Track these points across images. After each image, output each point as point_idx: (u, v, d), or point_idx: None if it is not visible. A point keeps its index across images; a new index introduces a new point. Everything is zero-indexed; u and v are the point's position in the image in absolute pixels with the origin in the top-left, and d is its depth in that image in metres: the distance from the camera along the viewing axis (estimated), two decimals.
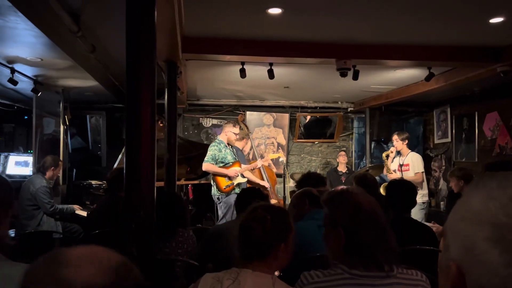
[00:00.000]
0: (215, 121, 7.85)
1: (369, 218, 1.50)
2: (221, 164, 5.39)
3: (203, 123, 7.84)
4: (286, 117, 7.86)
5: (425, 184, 5.85)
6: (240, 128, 6.22)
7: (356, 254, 1.49)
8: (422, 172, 5.75)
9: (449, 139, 7.05)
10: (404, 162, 5.87)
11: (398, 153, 6.04)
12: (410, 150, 5.95)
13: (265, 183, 5.88)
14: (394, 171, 5.87)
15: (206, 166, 5.38)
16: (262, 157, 6.65)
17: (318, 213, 2.68)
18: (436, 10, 3.33)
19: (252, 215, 1.72)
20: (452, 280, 0.63)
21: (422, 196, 5.65)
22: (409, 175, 5.70)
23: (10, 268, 1.29)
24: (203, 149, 6.24)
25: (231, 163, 5.43)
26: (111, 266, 0.69)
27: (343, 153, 7.31)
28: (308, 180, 3.48)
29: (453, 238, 0.64)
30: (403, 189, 3.18)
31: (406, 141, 5.91)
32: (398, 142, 5.89)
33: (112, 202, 3.72)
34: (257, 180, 5.86)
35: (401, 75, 5.47)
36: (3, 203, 1.41)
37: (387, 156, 6.03)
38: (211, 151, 5.40)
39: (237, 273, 1.60)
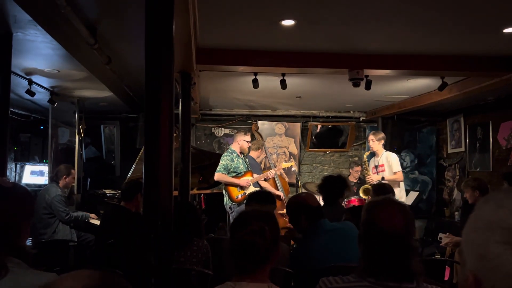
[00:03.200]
0: (227, 131, 7.89)
1: (383, 237, 1.49)
2: (234, 174, 5.41)
3: (215, 133, 7.89)
4: (298, 126, 7.88)
5: (402, 183, 5.71)
6: (254, 138, 6.24)
7: (372, 263, 1.50)
8: (400, 170, 5.64)
9: (462, 149, 6.99)
10: (379, 163, 5.76)
11: (373, 154, 5.92)
12: (384, 150, 5.84)
13: (279, 193, 5.87)
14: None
15: (218, 176, 5.40)
16: (274, 166, 6.66)
17: (320, 227, 2.63)
18: (450, 20, 3.33)
19: (249, 229, 1.62)
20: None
21: (399, 192, 5.51)
22: (386, 175, 5.59)
23: (33, 277, 1.32)
24: (215, 158, 6.27)
25: (243, 173, 5.45)
26: (87, 275, 0.75)
27: (358, 168, 7.17)
28: (329, 184, 3.49)
29: (468, 249, 0.66)
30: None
31: (382, 141, 5.80)
32: (374, 142, 5.76)
33: (113, 212, 3.77)
34: (272, 189, 5.86)
35: (414, 85, 5.46)
36: (27, 214, 1.46)
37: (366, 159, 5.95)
38: (223, 161, 5.42)
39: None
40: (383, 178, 5.55)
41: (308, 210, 2.66)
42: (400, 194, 5.57)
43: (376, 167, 5.78)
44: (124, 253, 2.86)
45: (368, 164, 5.97)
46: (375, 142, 5.76)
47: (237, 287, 1.56)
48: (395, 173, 5.58)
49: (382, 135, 5.87)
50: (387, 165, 5.66)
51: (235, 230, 1.67)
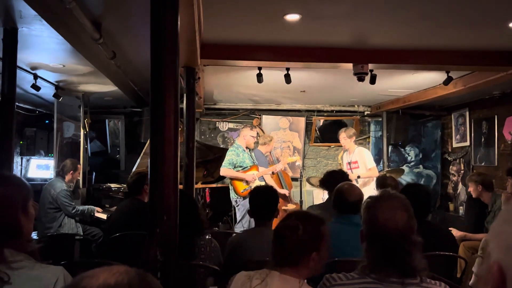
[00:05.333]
0: (231, 125, 7.90)
1: (386, 235, 1.50)
2: (240, 169, 5.43)
3: (219, 127, 7.90)
4: (302, 120, 7.87)
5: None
6: (259, 134, 6.25)
7: (375, 259, 1.51)
8: (374, 165, 5.64)
9: (467, 143, 6.96)
10: (352, 159, 5.72)
11: (345, 150, 5.91)
12: (356, 146, 5.83)
13: (284, 191, 5.85)
14: None
15: (224, 171, 5.43)
16: (278, 160, 6.67)
17: (348, 219, 2.67)
18: (455, 15, 3.31)
19: (285, 223, 1.76)
20: (493, 280, 0.65)
21: (373, 186, 5.50)
22: (360, 171, 5.57)
23: (39, 270, 1.35)
24: (220, 152, 6.29)
25: (249, 167, 5.46)
26: (123, 271, 0.76)
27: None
28: (331, 180, 3.47)
29: (496, 241, 0.66)
30: (420, 193, 3.00)
31: (353, 138, 5.78)
32: (346, 140, 5.72)
33: (132, 205, 3.79)
34: (275, 186, 5.86)
35: (419, 79, 5.43)
36: (22, 201, 1.42)
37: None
38: (229, 156, 5.44)
39: (266, 274, 1.66)
40: (359, 177, 5.50)
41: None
42: (373, 188, 5.56)
43: (349, 163, 5.75)
44: (138, 246, 2.84)
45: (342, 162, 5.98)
46: (347, 140, 5.73)
47: (270, 275, 1.66)
48: (369, 169, 5.57)
49: (353, 131, 5.85)
50: (361, 161, 5.63)
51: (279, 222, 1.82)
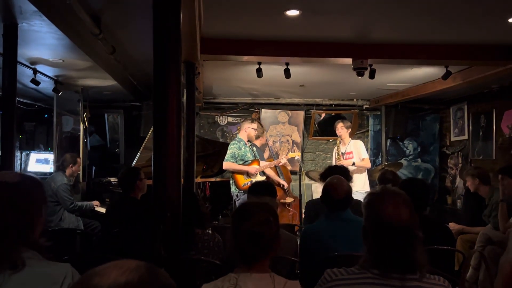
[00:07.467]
0: (230, 119, 7.91)
1: (390, 232, 1.49)
2: (241, 162, 5.45)
3: (218, 121, 7.90)
4: (301, 114, 7.88)
5: (366, 173, 5.90)
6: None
7: (378, 255, 1.51)
8: (367, 157, 5.89)
9: (466, 137, 6.98)
10: (346, 150, 5.95)
11: (340, 141, 6.12)
12: (351, 138, 6.08)
13: (283, 182, 5.91)
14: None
15: (227, 164, 5.43)
16: (277, 154, 6.68)
17: (339, 215, 2.69)
18: (454, 10, 3.32)
19: (256, 220, 1.64)
20: (506, 277, 0.67)
21: (364, 184, 5.72)
22: (354, 161, 5.77)
23: (47, 267, 1.36)
24: (219, 147, 6.30)
25: (250, 161, 5.48)
26: (134, 268, 0.74)
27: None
28: (332, 174, 3.47)
29: None
30: (417, 188, 3.01)
31: (349, 130, 6.04)
32: (343, 130, 5.97)
33: (122, 202, 3.75)
34: (276, 177, 5.89)
35: (418, 73, 5.44)
36: (38, 205, 1.47)
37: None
38: (231, 149, 5.46)
39: (235, 279, 1.59)
40: (353, 164, 5.72)
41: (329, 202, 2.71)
42: (364, 180, 5.79)
43: (343, 154, 5.95)
44: (133, 243, 2.87)
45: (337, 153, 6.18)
46: (344, 130, 5.97)
47: (241, 278, 1.59)
48: (363, 159, 5.79)
49: (349, 123, 6.10)
50: (355, 151, 5.84)
51: (239, 221, 1.67)
